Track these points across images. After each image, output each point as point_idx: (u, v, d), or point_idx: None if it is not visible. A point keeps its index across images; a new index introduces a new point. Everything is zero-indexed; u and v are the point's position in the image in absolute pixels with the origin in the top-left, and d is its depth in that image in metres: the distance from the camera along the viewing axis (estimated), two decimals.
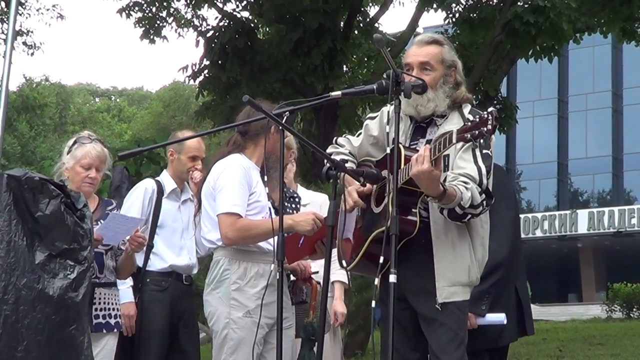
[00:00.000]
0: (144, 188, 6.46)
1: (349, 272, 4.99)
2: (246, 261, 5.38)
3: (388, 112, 4.62)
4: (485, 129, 4.16)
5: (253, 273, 5.36)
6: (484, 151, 4.62)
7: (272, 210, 5.39)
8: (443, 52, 4.83)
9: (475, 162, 4.57)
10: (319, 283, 6.04)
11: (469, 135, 4.20)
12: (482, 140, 4.28)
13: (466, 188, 4.47)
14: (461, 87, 4.86)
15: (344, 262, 4.93)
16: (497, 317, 5.46)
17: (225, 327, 5.33)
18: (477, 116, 4.23)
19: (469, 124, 4.24)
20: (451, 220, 4.58)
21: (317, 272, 6.10)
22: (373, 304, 4.37)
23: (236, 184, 5.38)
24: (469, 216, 4.54)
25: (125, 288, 6.18)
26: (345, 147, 5.12)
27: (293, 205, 5.94)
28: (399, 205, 4.25)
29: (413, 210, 4.60)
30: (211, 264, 5.50)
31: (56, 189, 4.39)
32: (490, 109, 4.21)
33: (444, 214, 4.53)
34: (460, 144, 4.53)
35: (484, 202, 4.54)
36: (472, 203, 4.47)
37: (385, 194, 4.68)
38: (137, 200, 6.39)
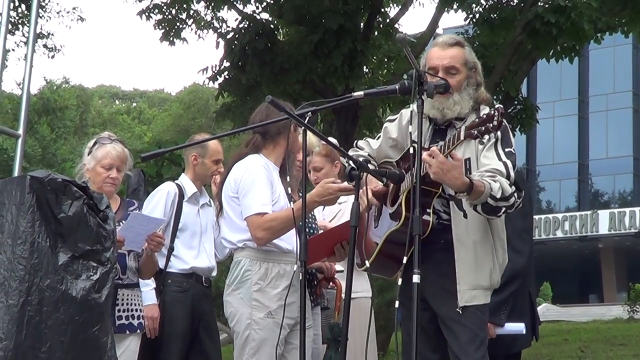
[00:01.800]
0: (166, 191, 6.47)
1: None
2: (267, 262, 5.37)
3: (411, 112, 4.61)
4: (491, 125, 4.22)
5: (274, 274, 5.35)
6: (507, 149, 4.62)
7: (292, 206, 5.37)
8: (465, 54, 4.84)
9: (500, 159, 4.57)
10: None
11: (475, 132, 4.25)
12: (493, 134, 4.30)
13: (494, 180, 4.45)
14: (481, 88, 4.86)
15: (367, 262, 4.92)
16: (517, 327, 5.45)
17: (247, 328, 5.32)
18: (484, 113, 4.25)
19: (476, 120, 4.27)
20: (487, 216, 4.56)
21: (342, 271, 6.08)
22: (397, 304, 4.38)
23: (261, 183, 5.38)
24: (504, 209, 4.51)
25: (149, 290, 6.19)
26: (364, 149, 5.13)
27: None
28: (411, 204, 4.26)
29: (427, 209, 4.60)
30: (232, 265, 5.50)
31: (79, 190, 4.39)
32: (497, 106, 4.24)
33: (477, 209, 4.50)
34: (483, 144, 4.56)
35: (515, 194, 4.51)
36: (504, 194, 4.44)
37: (400, 193, 4.68)
38: (159, 203, 6.40)
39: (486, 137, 4.27)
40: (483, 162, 4.61)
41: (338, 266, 6.10)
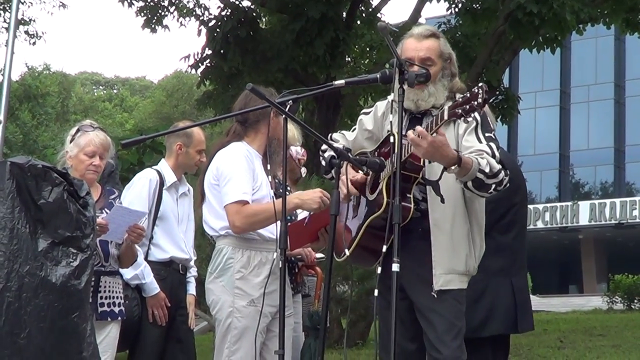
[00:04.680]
0: (148, 179, 6.42)
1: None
2: (249, 249, 5.37)
3: (392, 101, 4.63)
4: (475, 102, 4.20)
5: (256, 261, 5.36)
6: (487, 134, 4.64)
7: (274, 199, 5.38)
8: (440, 45, 4.86)
9: (480, 142, 4.59)
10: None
11: (460, 111, 4.24)
12: (477, 112, 4.28)
13: (481, 157, 4.47)
14: (455, 78, 4.88)
15: (346, 251, 4.92)
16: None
17: (229, 315, 5.33)
18: (468, 92, 4.26)
19: (460, 99, 4.28)
20: (478, 192, 4.56)
21: (322, 258, 6.09)
22: (376, 292, 4.38)
23: (241, 171, 5.38)
24: (494, 186, 4.52)
25: (150, 281, 6.21)
26: (340, 142, 5.13)
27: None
28: (391, 191, 4.27)
29: (407, 195, 4.61)
30: (214, 252, 5.49)
31: (59, 177, 4.38)
32: (480, 84, 4.23)
33: (468, 186, 4.51)
34: (463, 129, 4.60)
35: (503, 171, 4.52)
36: (492, 170, 4.46)
37: (380, 180, 4.69)
38: (143, 192, 6.35)
39: (471, 115, 4.27)
40: (465, 145, 4.62)
41: (318, 254, 6.11)
